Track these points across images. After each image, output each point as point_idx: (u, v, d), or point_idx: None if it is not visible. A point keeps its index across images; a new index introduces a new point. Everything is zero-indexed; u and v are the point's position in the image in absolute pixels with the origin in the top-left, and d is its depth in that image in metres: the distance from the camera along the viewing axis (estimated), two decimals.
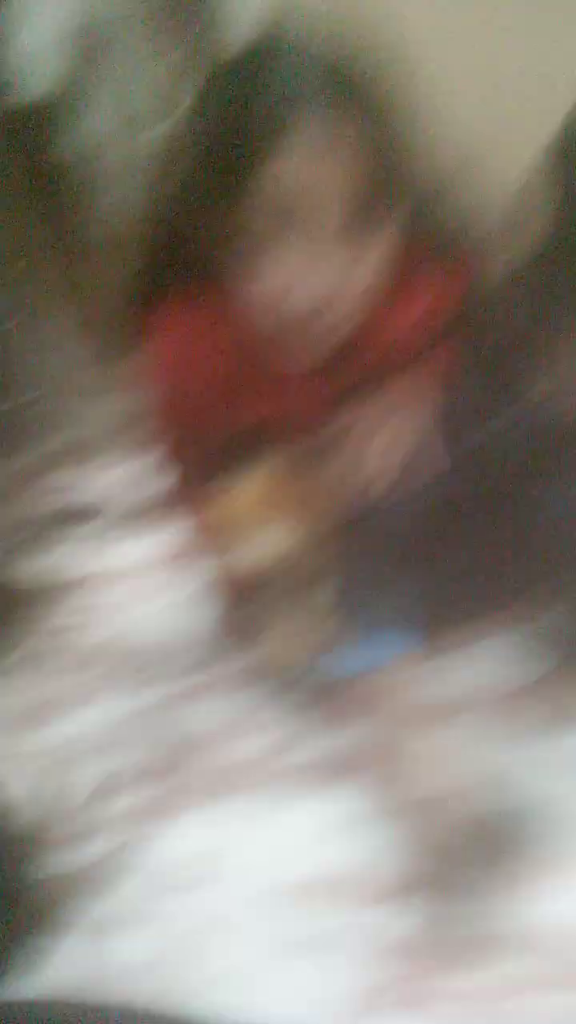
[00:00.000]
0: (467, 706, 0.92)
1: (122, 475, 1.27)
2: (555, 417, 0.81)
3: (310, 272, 0.71)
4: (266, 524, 0.90)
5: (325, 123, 0.67)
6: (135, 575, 1.16)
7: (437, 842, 0.81)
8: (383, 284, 0.76)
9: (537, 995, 0.72)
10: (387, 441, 0.84)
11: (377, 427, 0.85)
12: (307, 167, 0.68)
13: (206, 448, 0.88)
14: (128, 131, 1.29)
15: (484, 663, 0.98)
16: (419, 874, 0.81)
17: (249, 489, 0.90)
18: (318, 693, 0.95)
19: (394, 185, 0.72)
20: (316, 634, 0.93)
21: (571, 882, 0.79)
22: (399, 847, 0.83)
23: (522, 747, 0.90)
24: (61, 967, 0.75)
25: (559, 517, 0.86)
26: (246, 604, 0.93)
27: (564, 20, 1.16)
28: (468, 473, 0.85)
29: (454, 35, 1.09)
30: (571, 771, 0.87)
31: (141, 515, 1.21)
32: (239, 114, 0.69)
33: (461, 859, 0.79)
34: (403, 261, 0.77)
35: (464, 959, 0.75)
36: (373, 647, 0.91)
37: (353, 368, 0.84)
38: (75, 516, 1.25)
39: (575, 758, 0.89)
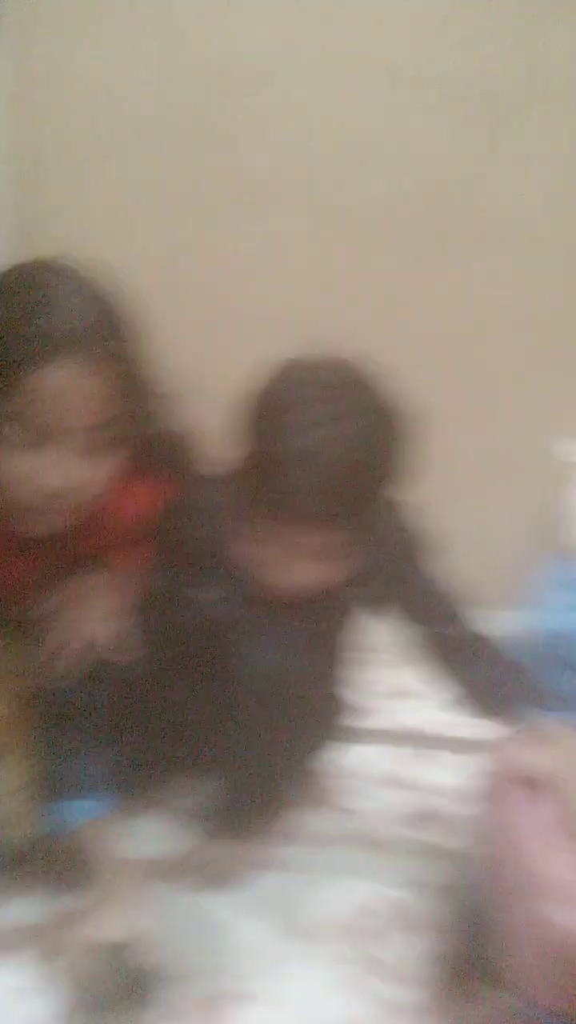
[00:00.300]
0: (135, 869, 0.97)
1: None
2: (231, 609, 0.95)
3: (51, 468, 0.83)
4: None
5: (78, 356, 0.80)
6: None
7: (90, 995, 0.84)
8: (108, 486, 0.89)
9: None
10: (89, 621, 0.95)
11: (82, 608, 0.96)
12: (60, 388, 0.81)
13: None
14: None
15: (154, 831, 1.09)
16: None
17: None
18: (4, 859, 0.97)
19: (128, 410, 0.86)
20: (9, 801, 0.95)
21: None
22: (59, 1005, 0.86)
23: (174, 909, 0.99)
24: None
25: (224, 702, 0.99)
26: None
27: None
28: (155, 655, 0.97)
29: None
30: (210, 933, 0.98)
31: None
32: (6, 337, 0.80)
33: (109, 1010, 0.83)
34: (127, 469, 0.91)
35: None
36: (65, 813, 0.93)
37: (70, 552, 0.96)
38: None
39: (216, 921, 1.00)
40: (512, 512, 1.46)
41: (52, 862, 0.97)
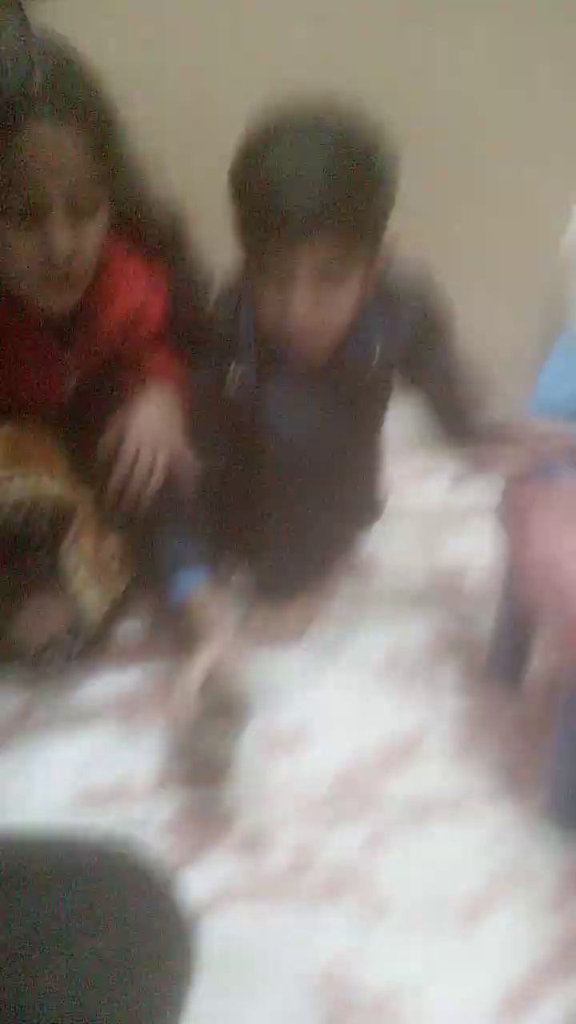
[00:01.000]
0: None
1: None
2: (260, 385, 1.02)
3: (39, 245, 0.87)
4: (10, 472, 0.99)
5: (50, 122, 0.82)
6: None
7: (191, 731, 0.96)
8: (99, 263, 0.92)
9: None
10: (155, 435, 1.00)
11: (144, 427, 1.00)
12: (35, 158, 0.82)
13: None
14: None
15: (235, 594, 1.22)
16: (174, 766, 0.98)
17: None
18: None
19: (106, 178, 0.87)
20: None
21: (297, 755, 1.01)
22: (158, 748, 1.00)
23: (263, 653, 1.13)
24: None
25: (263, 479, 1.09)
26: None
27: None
28: (212, 440, 1.05)
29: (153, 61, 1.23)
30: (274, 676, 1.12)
31: None
32: None
33: (207, 740, 0.95)
34: (114, 247, 0.94)
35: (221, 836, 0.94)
36: (176, 584, 1.06)
37: (87, 344, 1.01)
38: None
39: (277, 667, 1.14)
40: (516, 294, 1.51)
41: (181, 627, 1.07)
